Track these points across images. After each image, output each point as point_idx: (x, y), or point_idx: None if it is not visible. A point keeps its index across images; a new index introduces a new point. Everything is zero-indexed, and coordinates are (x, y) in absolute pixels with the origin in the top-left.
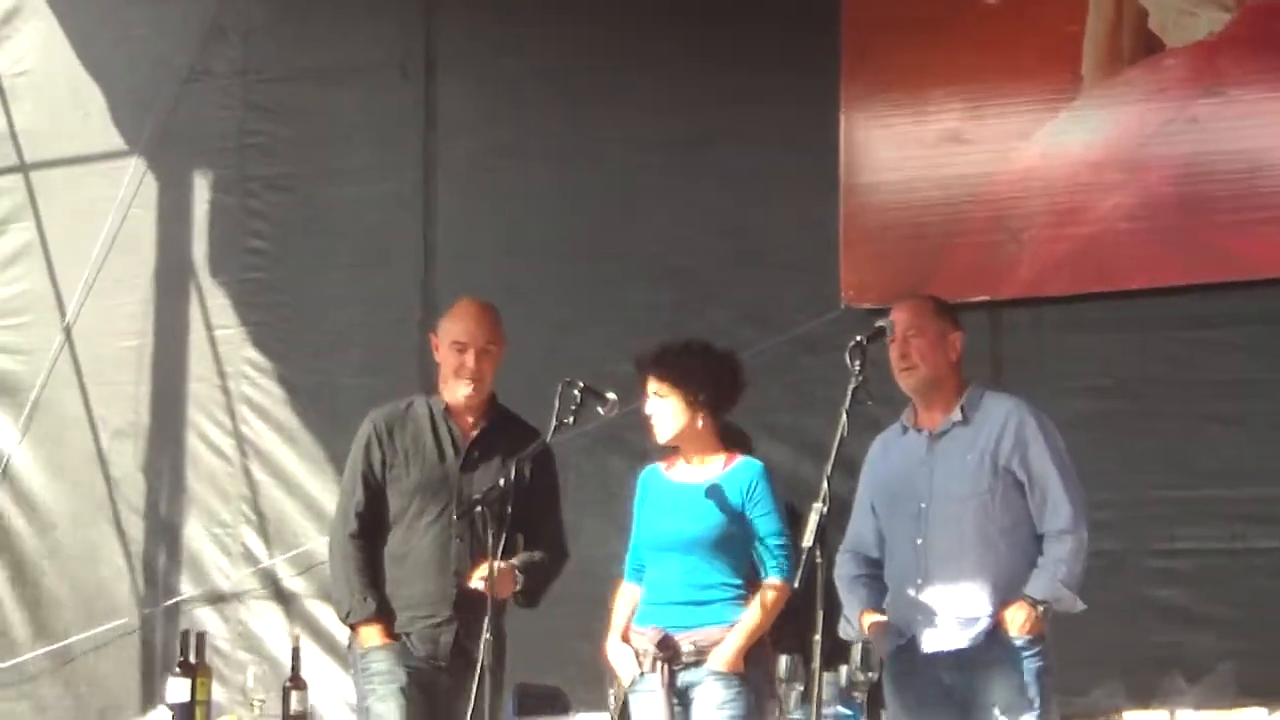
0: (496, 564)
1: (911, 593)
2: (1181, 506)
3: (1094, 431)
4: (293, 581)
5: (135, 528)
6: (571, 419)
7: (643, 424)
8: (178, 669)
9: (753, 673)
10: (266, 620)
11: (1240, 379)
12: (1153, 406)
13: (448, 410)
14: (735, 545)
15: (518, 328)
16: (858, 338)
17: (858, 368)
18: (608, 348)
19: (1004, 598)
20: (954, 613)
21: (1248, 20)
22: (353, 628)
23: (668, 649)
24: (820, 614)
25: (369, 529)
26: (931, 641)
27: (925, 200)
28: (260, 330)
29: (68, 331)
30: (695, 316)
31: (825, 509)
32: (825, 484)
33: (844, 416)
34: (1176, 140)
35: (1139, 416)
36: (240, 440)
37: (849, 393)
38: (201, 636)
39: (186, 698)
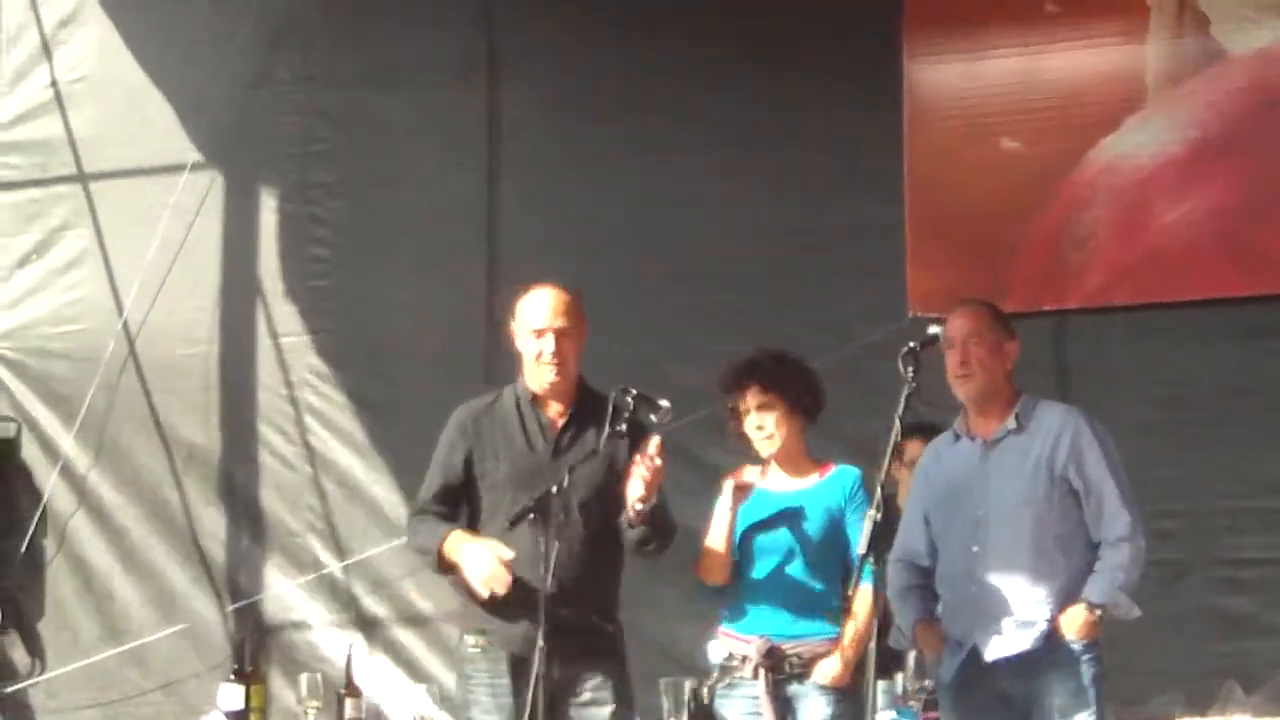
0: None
1: (968, 599)
2: (1245, 516)
3: (1158, 441)
4: (363, 595)
5: (207, 537)
6: (624, 426)
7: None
8: (232, 675)
9: (857, 684)
10: (330, 631)
11: None
12: (1216, 416)
13: (534, 399)
14: (836, 553)
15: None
16: (911, 344)
17: (911, 374)
18: (672, 353)
19: (1061, 603)
20: (1012, 617)
21: None
22: (440, 559)
23: (773, 658)
24: (875, 623)
25: (441, 515)
26: (994, 649)
27: (991, 210)
28: (324, 338)
29: (129, 338)
30: (761, 323)
31: (879, 516)
32: (879, 491)
33: (897, 423)
34: (1239, 149)
35: (1203, 426)
36: (308, 449)
37: (902, 399)
38: (256, 643)
39: (240, 705)
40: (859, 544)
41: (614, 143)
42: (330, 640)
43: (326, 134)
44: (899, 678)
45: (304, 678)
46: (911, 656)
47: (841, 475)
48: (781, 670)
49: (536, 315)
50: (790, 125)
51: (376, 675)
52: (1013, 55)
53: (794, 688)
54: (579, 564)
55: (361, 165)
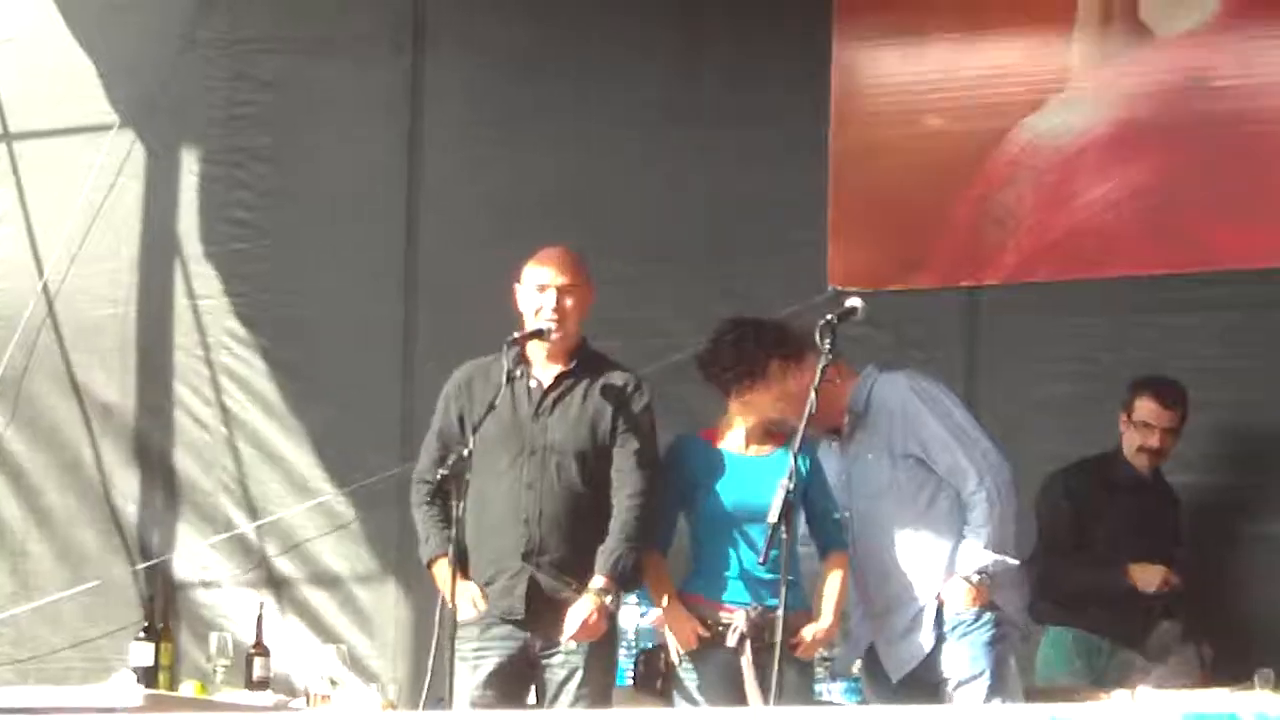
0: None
1: (858, 602)
2: None
3: (1068, 416)
4: (275, 556)
5: (121, 496)
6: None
7: None
8: (142, 634)
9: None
10: (241, 591)
11: (1214, 367)
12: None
13: (526, 359)
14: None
15: (502, 301)
16: (828, 316)
17: (827, 346)
18: (592, 323)
19: (947, 572)
20: (896, 617)
21: (1235, 12)
22: (428, 569)
23: (759, 627)
24: (784, 588)
25: (458, 488)
26: (894, 666)
27: (913, 186)
28: (243, 301)
29: (49, 298)
30: (682, 293)
31: (792, 485)
32: (792, 461)
33: (812, 395)
34: (1162, 131)
35: (1113, 401)
36: (223, 410)
37: (818, 370)
38: (166, 601)
39: (150, 662)
40: (771, 513)
41: (538, 113)
42: (241, 600)
43: (251, 98)
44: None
45: (213, 636)
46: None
47: (805, 445)
48: (761, 639)
49: (540, 272)
50: (716, 98)
51: (286, 635)
52: (943, 39)
53: (768, 657)
54: (556, 526)
55: (285, 130)
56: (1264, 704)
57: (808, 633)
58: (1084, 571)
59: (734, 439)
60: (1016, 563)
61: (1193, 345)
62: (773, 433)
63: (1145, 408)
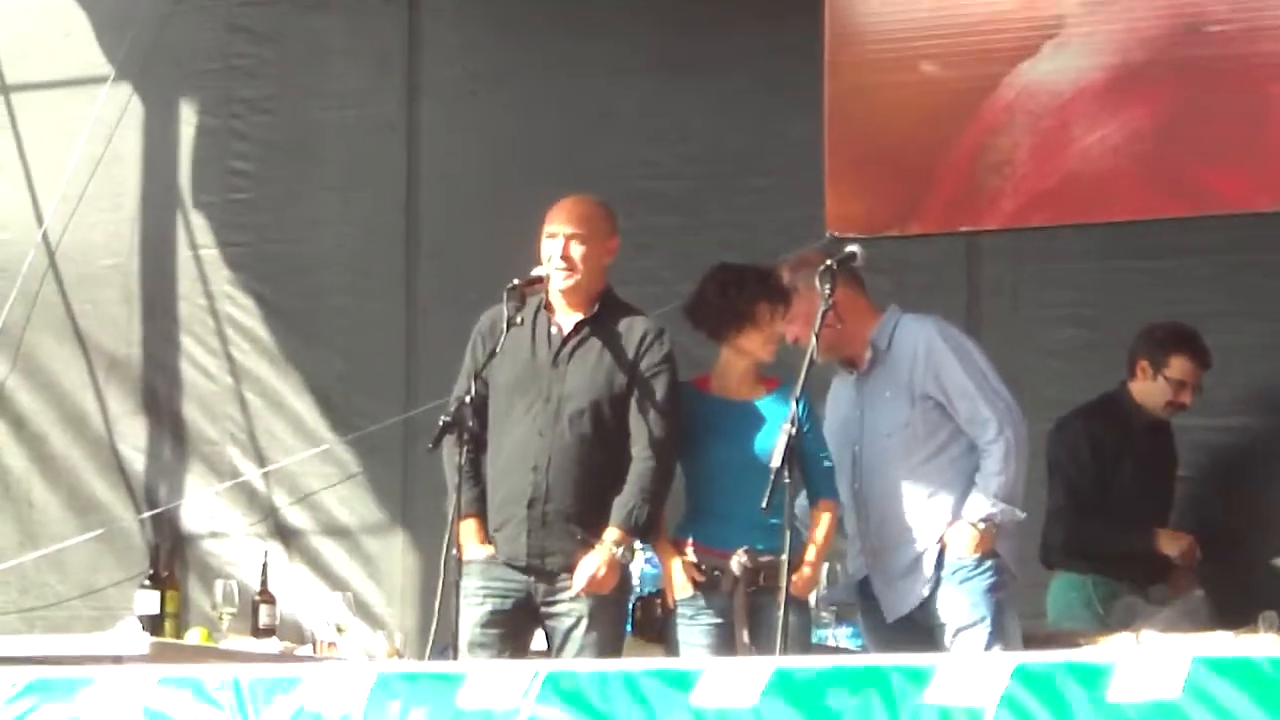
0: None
1: (860, 536)
2: None
3: (1068, 361)
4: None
5: (127, 445)
6: (521, 318)
7: None
8: (147, 581)
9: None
10: (248, 539)
11: (1213, 310)
12: (1127, 338)
13: (548, 305)
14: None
15: (502, 251)
16: (827, 261)
17: (828, 291)
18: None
19: (951, 518)
20: (897, 555)
21: None
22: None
23: (752, 570)
24: (787, 533)
25: (460, 434)
26: (890, 607)
27: (909, 133)
28: (242, 251)
29: (49, 249)
30: (679, 242)
31: (794, 430)
32: (794, 405)
33: (813, 340)
34: (1157, 76)
35: (1113, 349)
36: (229, 360)
37: (819, 315)
38: (171, 550)
39: (156, 610)
40: (774, 457)
41: (535, 63)
42: (247, 549)
43: (249, 50)
44: (814, 593)
45: (219, 584)
46: (824, 571)
47: (790, 391)
48: (755, 583)
49: (553, 220)
50: (712, 47)
51: (293, 583)
52: None
53: (762, 600)
54: (563, 475)
55: (283, 81)
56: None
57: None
58: (1113, 535)
59: (726, 385)
60: (1024, 515)
61: (1191, 290)
62: (765, 378)
63: (1182, 366)
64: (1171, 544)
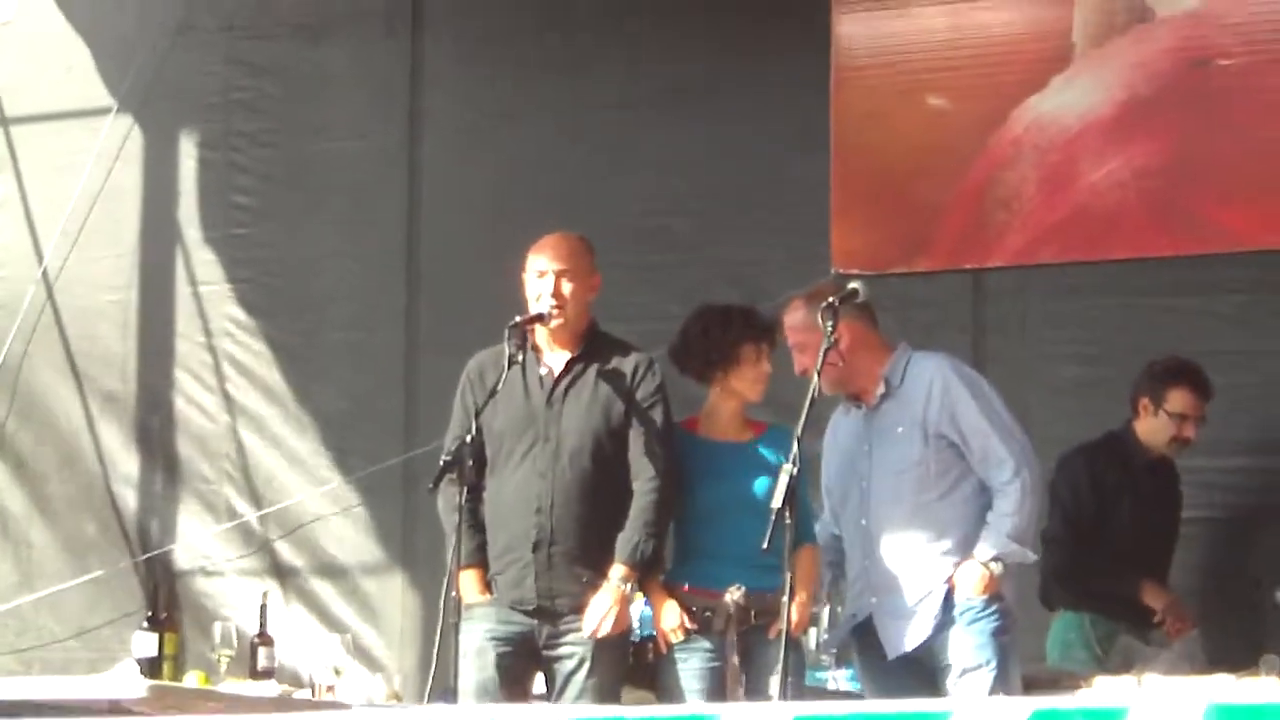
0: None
1: (863, 574)
2: None
3: (1075, 400)
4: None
5: (123, 484)
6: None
7: None
8: (145, 623)
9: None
10: (245, 580)
11: (1221, 349)
12: (1134, 375)
13: (535, 346)
14: None
15: (504, 287)
16: (830, 299)
17: (830, 329)
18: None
19: (961, 556)
20: (904, 597)
21: None
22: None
23: (745, 609)
24: (787, 574)
25: (461, 474)
26: (892, 644)
27: (916, 168)
28: (244, 287)
29: (48, 285)
30: (684, 279)
31: (796, 470)
32: (795, 445)
33: (815, 378)
34: (1165, 111)
35: (1121, 385)
36: (226, 398)
37: (821, 353)
38: (170, 591)
39: (154, 652)
40: (775, 497)
41: (538, 98)
42: (245, 590)
43: (250, 83)
44: (812, 632)
45: (217, 626)
46: (825, 613)
47: (780, 433)
48: (747, 621)
49: (538, 258)
50: (716, 82)
51: (292, 625)
52: (941, 10)
53: (755, 638)
54: (568, 515)
55: (284, 115)
56: None
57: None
58: (1102, 577)
59: (714, 427)
60: (1035, 558)
61: (1200, 328)
62: (752, 421)
63: (1181, 399)
64: (1156, 598)
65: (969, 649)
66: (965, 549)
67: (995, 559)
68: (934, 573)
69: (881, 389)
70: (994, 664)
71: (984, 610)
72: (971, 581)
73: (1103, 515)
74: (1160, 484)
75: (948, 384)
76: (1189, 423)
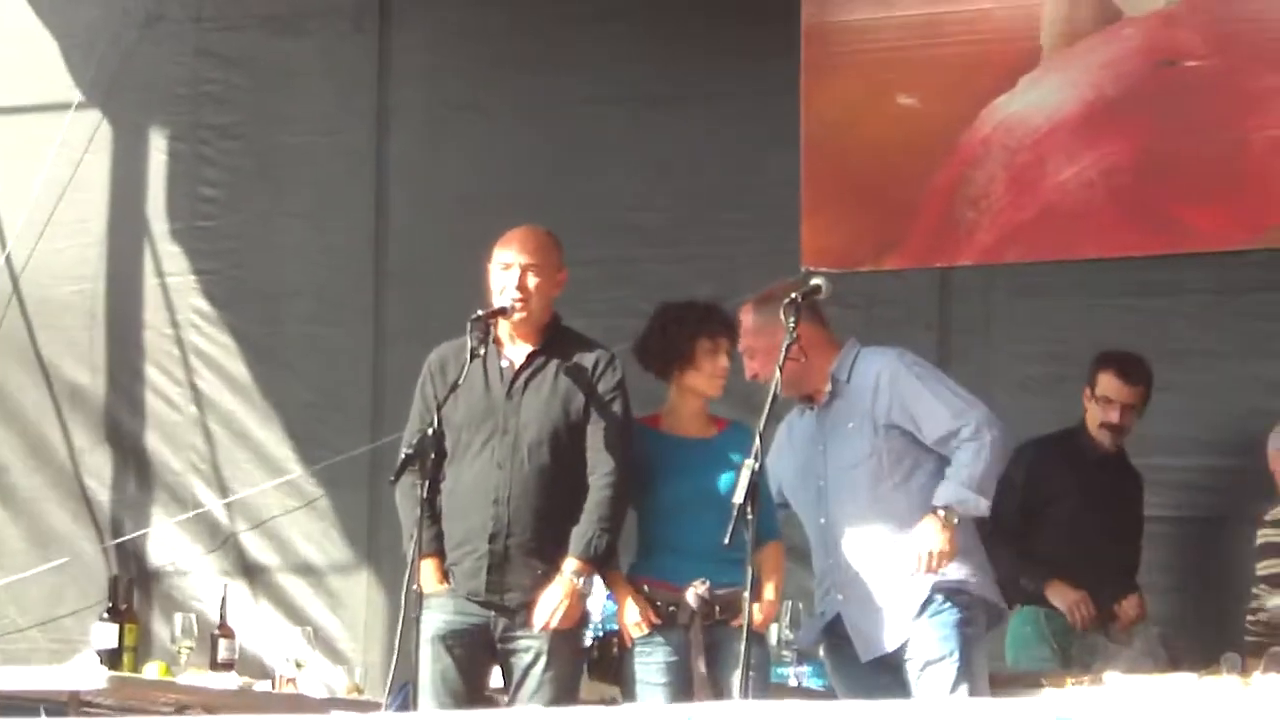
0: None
1: (827, 572)
2: None
3: (1040, 398)
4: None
5: (90, 475)
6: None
7: None
8: (105, 614)
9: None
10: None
11: (1187, 349)
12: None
13: (496, 338)
14: None
15: (470, 281)
16: (792, 295)
17: (791, 324)
18: (563, 302)
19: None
20: (872, 591)
21: None
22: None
23: (707, 604)
24: (749, 568)
25: (423, 467)
26: (865, 648)
27: (886, 166)
28: (210, 279)
29: (13, 275)
30: (653, 275)
31: (757, 466)
32: (757, 441)
33: (777, 374)
34: (1133, 111)
35: (1085, 382)
36: (193, 390)
37: (783, 349)
38: (130, 582)
39: (114, 643)
40: (736, 493)
41: (508, 93)
42: (208, 582)
43: (218, 75)
44: (774, 629)
45: (178, 618)
46: (786, 608)
47: (743, 430)
48: (711, 616)
49: (504, 251)
50: (689, 80)
51: (256, 618)
52: (912, 10)
53: (719, 634)
54: (525, 507)
55: (252, 108)
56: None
57: (755, 611)
58: (1006, 566)
59: (676, 423)
60: (986, 506)
61: (1165, 327)
62: (715, 418)
63: (1107, 383)
64: (1060, 596)
65: (932, 641)
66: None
67: (948, 505)
68: (898, 563)
69: (829, 386)
70: (957, 655)
71: (948, 601)
72: (928, 532)
73: (1030, 509)
74: (1111, 481)
75: (895, 374)
76: (1114, 407)
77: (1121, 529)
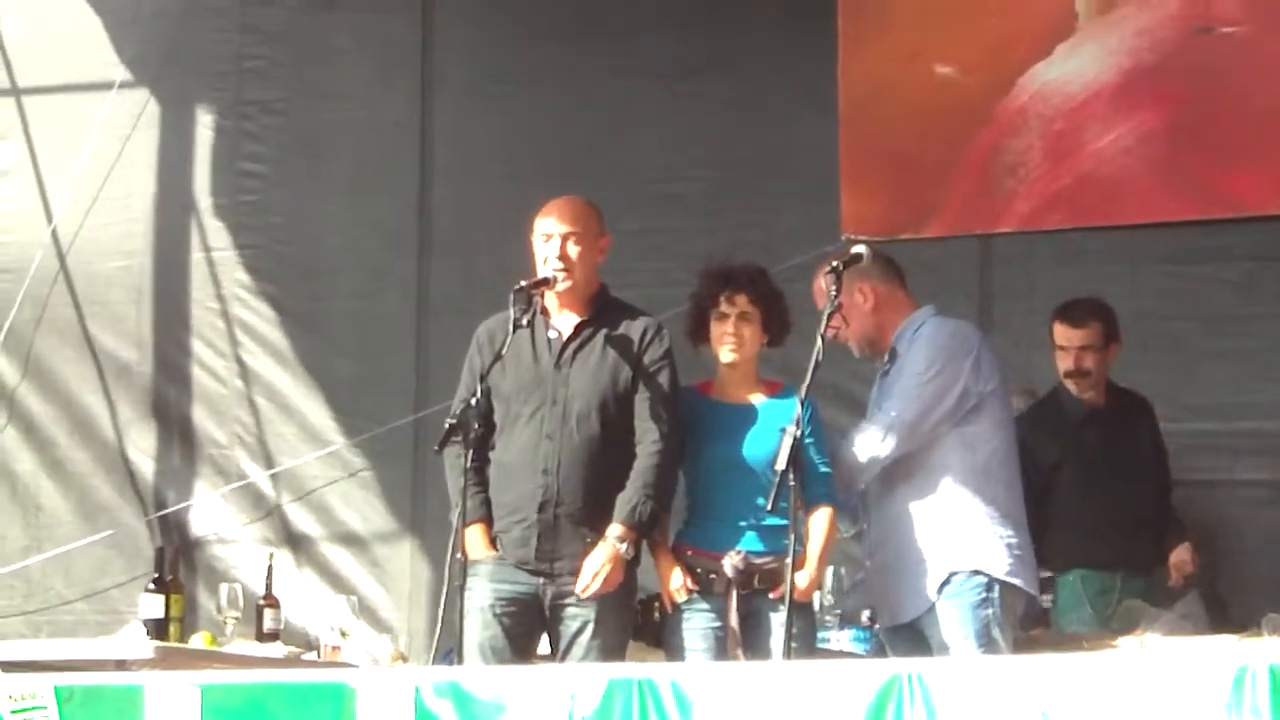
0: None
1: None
2: (1170, 440)
3: None
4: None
5: (135, 449)
6: (526, 321)
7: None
8: (151, 585)
9: (810, 600)
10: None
11: (1228, 314)
12: (1140, 340)
13: (543, 309)
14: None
15: (514, 252)
16: (834, 263)
17: (834, 292)
18: (605, 274)
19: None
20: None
21: None
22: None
23: (745, 573)
24: (792, 536)
25: (466, 437)
26: (889, 611)
27: (924, 135)
28: (254, 253)
29: (59, 251)
30: (695, 244)
31: (799, 433)
32: (798, 408)
33: (819, 341)
34: (1169, 78)
35: (1126, 350)
36: (239, 363)
37: (825, 316)
38: (176, 553)
39: (160, 614)
40: (779, 460)
41: (550, 64)
42: (254, 553)
43: (262, 51)
44: (816, 595)
45: (223, 588)
46: (829, 574)
47: (792, 395)
48: (750, 586)
49: (545, 221)
50: (723, 45)
51: (301, 588)
52: None
53: (756, 602)
54: (574, 477)
55: (296, 83)
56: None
57: (800, 579)
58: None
59: (724, 389)
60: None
61: (1206, 293)
62: (768, 381)
63: (1058, 330)
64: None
65: (950, 622)
66: (949, 498)
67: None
68: (916, 539)
69: (889, 353)
70: (972, 637)
71: (968, 582)
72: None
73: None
74: (1107, 434)
75: (914, 344)
76: (1069, 354)
77: (1136, 480)
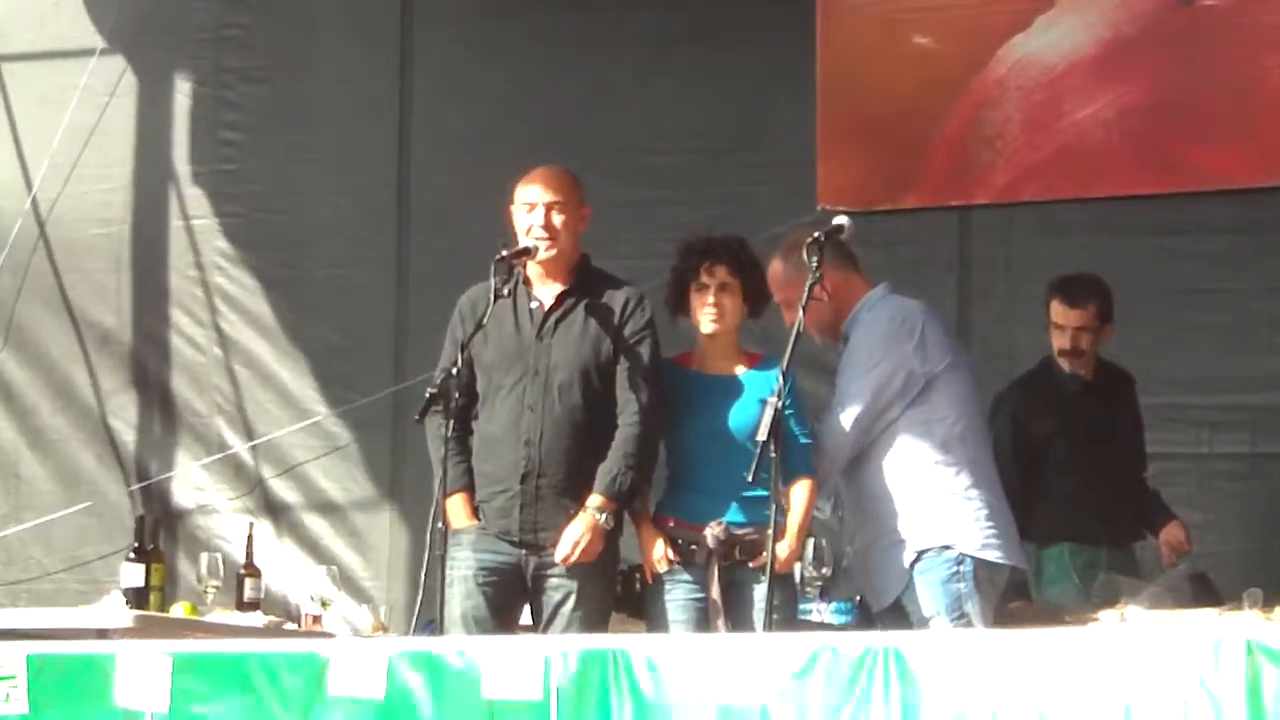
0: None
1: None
2: (1148, 412)
3: None
4: (269, 477)
5: (116, 417)
6: (507, 290)
7: None
8: (132, 554)
9: (791, 571)
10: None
11: (1206, 287)
12: (1120, 312)
13: (525, 279)
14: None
15: (493, 223)
16: (815, 234)
17: (815, 264)
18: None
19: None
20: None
21: None
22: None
23: (726, 544)
24: (774, 507)
25: (447, 407)
26: (873, 599)
27: (902, 106)
28: (233, 222)
29: (39, 218)
30: (671, 215)
31: (780, 404)
32: (780, 379)
33: (800, 313)
34: (1149, 50)
35: None
36: (218, 332)
37: (805, 289)
38: (156, 523)
39: (140, 583)
40: (760, 430)
41: (529, 36)
42: (235, 523)
43: (241, 20)
44: (797, 566)
45: (204, 557)
46: (810, 545)
47: (774, 366)
48: (731, 557)
49: (528, 190)
50: (707, 21)
51: (281, 558)
52: None
53: (739, 574)
54: (556, 448)
55: (274, 51)
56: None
57: (781, 550)
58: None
59: (705, 360)
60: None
61: (1185, 266)
62: (749, 353)
63: (1055, 308)
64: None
65: (925, 599)
66: (913, 479)
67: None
68: (884, 523)
69: (845, 330)
70: (943, 611)
71: (939, 557)
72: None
73: (1025, 457)
74: (1096, 408)
75: (855, 332)
76: (1065, 333)
77: (1121, 455)
